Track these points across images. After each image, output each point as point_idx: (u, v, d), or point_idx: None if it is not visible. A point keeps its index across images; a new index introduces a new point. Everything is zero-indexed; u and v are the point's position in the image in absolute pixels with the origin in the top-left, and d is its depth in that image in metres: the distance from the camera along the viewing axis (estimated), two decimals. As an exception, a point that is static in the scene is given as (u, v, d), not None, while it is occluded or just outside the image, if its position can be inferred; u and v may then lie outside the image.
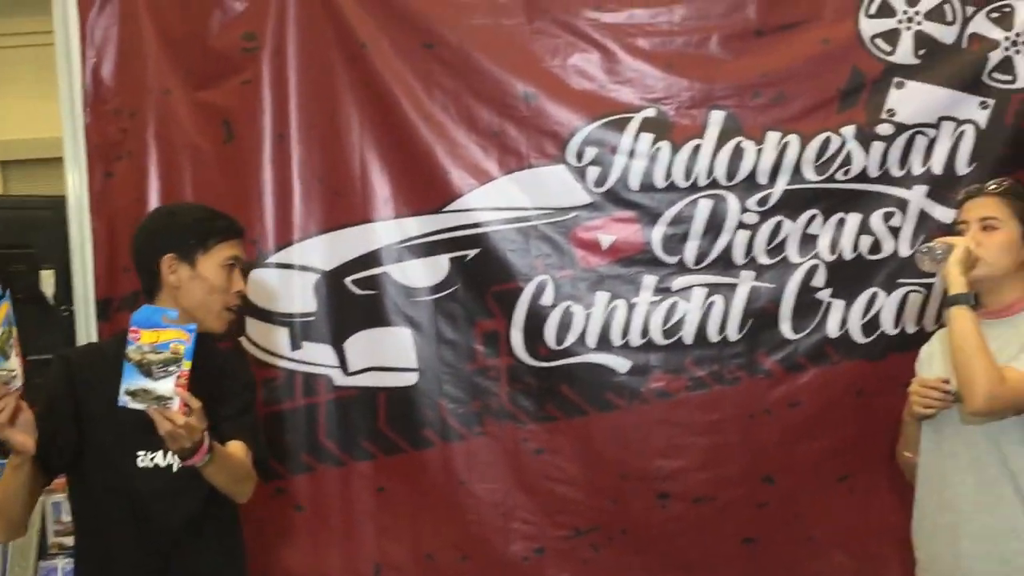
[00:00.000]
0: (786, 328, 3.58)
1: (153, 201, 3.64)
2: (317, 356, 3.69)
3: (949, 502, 2.65)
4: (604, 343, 3.62)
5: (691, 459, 3.63)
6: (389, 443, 3.69)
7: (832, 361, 3.57)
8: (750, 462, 3.61)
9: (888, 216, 3.53)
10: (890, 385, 3.28)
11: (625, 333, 3.61)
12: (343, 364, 3.69)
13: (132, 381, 2.27)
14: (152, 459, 2.57)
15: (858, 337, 3.54)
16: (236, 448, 2.62)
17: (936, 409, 2.63)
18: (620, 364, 3.63)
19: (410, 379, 3.67)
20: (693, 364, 3.61)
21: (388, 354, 3.68)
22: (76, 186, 3.69)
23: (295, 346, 3.69)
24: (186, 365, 2.28)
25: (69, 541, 4.28)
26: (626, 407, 3.63)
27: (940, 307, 3.31)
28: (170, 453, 2.51)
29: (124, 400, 2.27)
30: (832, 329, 3.56)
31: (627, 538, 3.66)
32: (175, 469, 2.56)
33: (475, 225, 3.63)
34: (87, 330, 3.67)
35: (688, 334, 3.60)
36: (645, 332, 3.61)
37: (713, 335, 3.59)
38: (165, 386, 2.24)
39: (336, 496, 3.70)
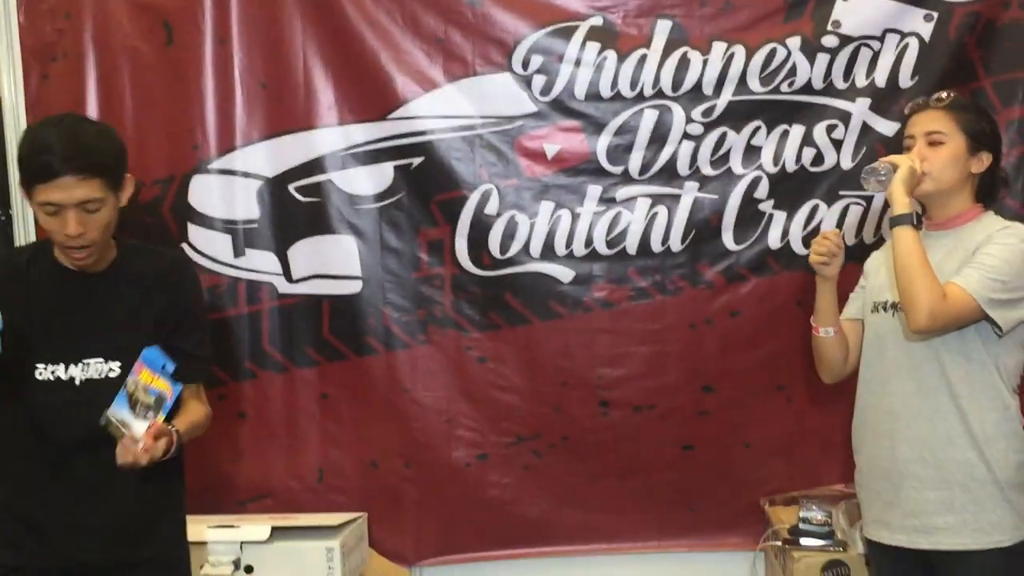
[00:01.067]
0: (728, 239, 3.62)
1: (91, 105, 3.58)
2: (261, 263, 3.68)
3: (889, 409, 2.68)
4: (548, 252, 3.64)
5: (633, 368, 3.68)
6: (333, 350, 3.70)
7: (773, 272, 3.62)
8: (691, 371, 3.67)
9: (831, 128, 3.55)
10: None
11: (569, 243, 3.63)
12: (287, 272, 3.68)
13: (119, 410, 2.32)
14: (53, 372, 2.42)
15: (799, 248, 3.58)
16: (194, 411, 2.50)
17: (826, 259, 2.66)
18: (564, 273, 3.65)
19: (354, 287, 3.67)
20: (636, 274, 3.64)
21: (332, 262, 3.67)
22: (11, 89, 3.62)
23: (238, 253, 3.67)
24: (159, 418, 2.34)
25: None
26: (569, 316, 3.67)
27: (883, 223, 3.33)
28: (73, 366, 2.40)
29: (104, 419, 2.31)
30: (774, 240, 3.60)
31: (568, 445, 3.72)
32: (78, 383, 2.41)
33: (420, 133, 3.60)
34: (25, 236, 3.63)
35: (631, 244, 3.62)
36: (589, 242, 3.62)
37: (656, 245, 3.62)
38: (139, 428, 2.31)
39: (280, 403, 3.71)
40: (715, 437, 3.69)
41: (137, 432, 2.30)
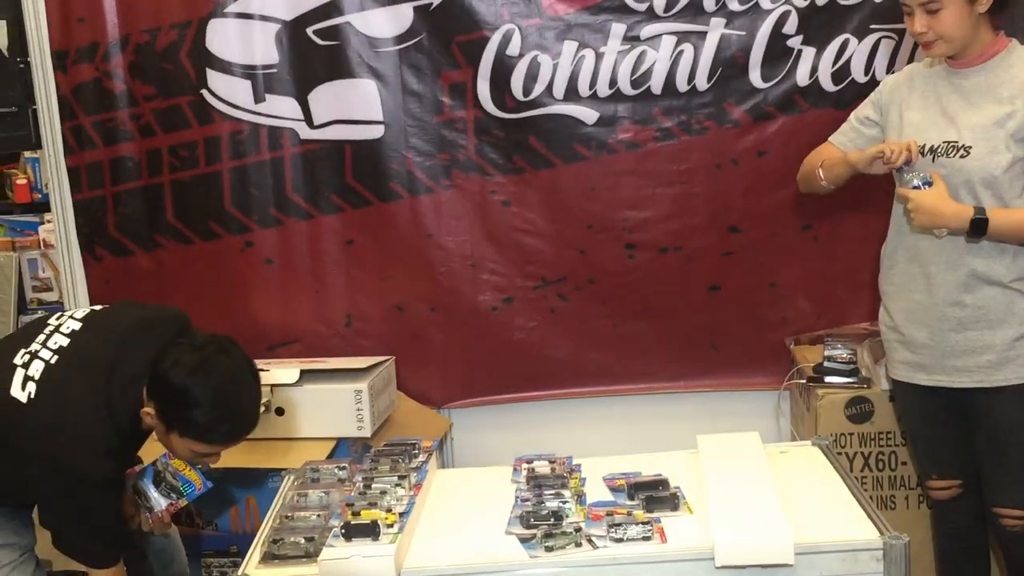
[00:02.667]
0: (756, 77, 3.53)
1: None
2: (281, 109, 3.64)
3: (924, 254, 2.68)
4: (572, 94, 3.57)
5: (658, 209, 3.65)
6: (357, 196, 3.69)
7: (801, 110, 3.54)
8: (716, 212, 3.64)
9: (864, -42, 3.44)
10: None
11: (593, 83, 3.56)
12: (308, 117, 3.64)
13: (143, 481, 2.66)
14: None
15: (828, 85, 3.50)
16: None
17: (895, 164, 2.65)
18: (588, 115, 3.59)
19: (376, 132, 3.64)
20: (661, 114, 3.58)
21: (353, 107, 3.63)
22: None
23: (258, 99, 3.63)
24: (183, 503, 2.67)
25: (48, 296, 4.37)
26: (594, 158, 3.62)
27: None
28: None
29: (127, 484, 2.66)
30: (802, 77, 3.52)
31: (594, 287, 3.72)
32: None
33: (439, -30, 3.52)
34: (44, 82, 3.62)
35: (656, 84, 3.55)
36: (613, 82, 3.55)
37: (682, 85, 3.54)
38: (159, 504, 2.65)
39: (305, 249, 3.73)
40: (741, 277, 3.68)
41: (156, 505, 2.65)
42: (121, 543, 2.58)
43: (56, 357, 2.49)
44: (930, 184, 2.60)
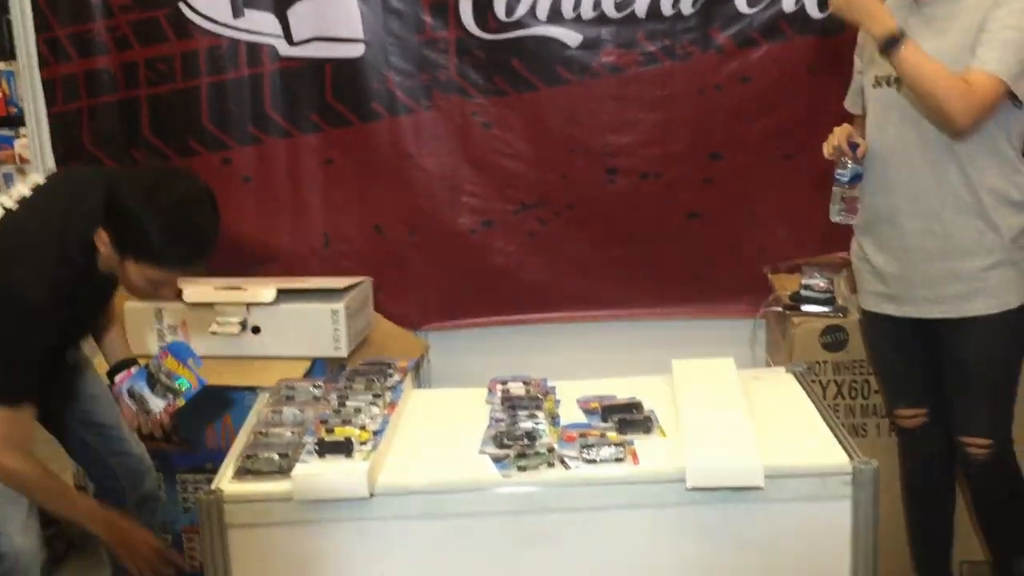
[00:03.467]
0: (741, 2, 3.50)
1: None
2: (260, 24, 3.60)
3: (893, 185, 2.68)
4: (555, 15, 3.53)
5: (640, 135, 3.63)
6: (336, 116, 3.66)
7: (786, 37, 3.51)
8: (698, 138, 3.62)
9: None
10: (842, 62, 3.23)
11: (577, 5, 3.52)
12: (287, 34, 3.59)
13: (138, 383, 2.67)
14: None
15: (814, 12, 3.47)
16: None
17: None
18: (571, 37, 3.55)
19: (356, 50, 3.59)
20: (645, 38, 3.54)
21: (333, 24, 3.58)
22: None
23: (237, 13, 3.58)
24: (179, 403, 2.67)
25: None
26: (576, 82, 3.59)
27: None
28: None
29: (122, 389, 2.68)
30: (788, 3, 3.48)
31: (574, 212, 3.71)
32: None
33: None
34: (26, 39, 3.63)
35: (641, 7, 3.51)
36: (597, 4, 3.52)
37: (666, 8, 3.51)
38: (156, 405, 2.66)
39: (283, 168, 3.70)
40: (721, 205, 3.67)
41: (154, 407, 2.66)
42: (30, 391, 2.38)
43: (17, 206, 2.45)
44: (859, 178, 2.70)
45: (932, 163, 2.60)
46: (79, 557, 3.82)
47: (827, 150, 2.70)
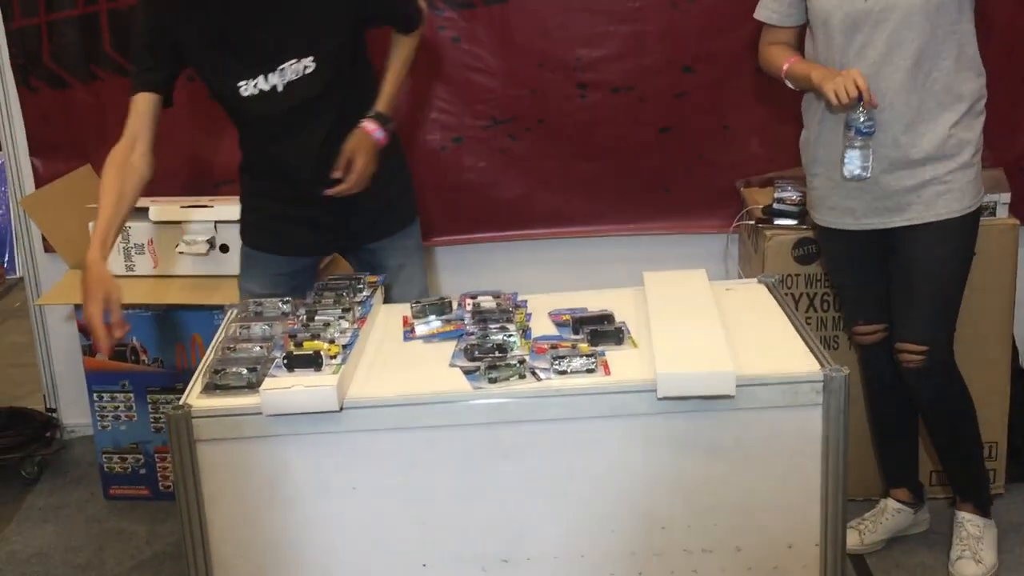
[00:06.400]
0: (715, -90, 3.44)
1: None
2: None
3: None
4: (525, -77, 3.46)
5: (611, 48, 3.58)
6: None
7: (760, -55, 3.45)
8: (670, 52, 3.57)
9: None
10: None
11: (548, -87, 3.45)
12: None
13: None
14: (255, 85, 2.61)
15: (788, -80, 3.40)
16: (401, 54, 2.80)
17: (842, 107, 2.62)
18: (542, -51, 3.49)
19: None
20: (617, -51, 3.48)
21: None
22: None
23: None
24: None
25: None
26: (547, -6, 3.53)
27: None
28: (272, 75, 2.59)
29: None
30: (762, -89, 3.42)
31: (545, 128, 3.67)
32: (280, 89, 2.61)
33: None
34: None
35: (612, -85, 3.44)
36: (567, -89, 3.45)
37: (638, -84, 3.44)
38: None
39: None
40: (693, 119, 3.63)
41: None
42: (140, 80, 2.67)
43: None
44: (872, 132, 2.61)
45: (904, 70, 2.63)
46: (52, 477, 3.83)
47: (842, 98, 2.57)
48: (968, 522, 2.96)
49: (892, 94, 2.64)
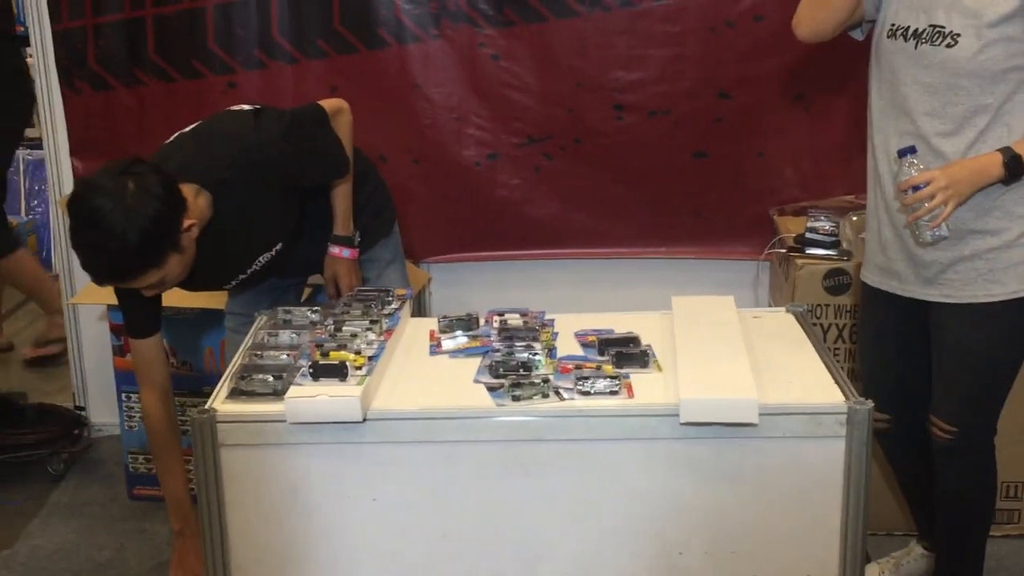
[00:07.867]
0: (756, -67, 3.44)
1: None
2: (269, -54, 3.55)
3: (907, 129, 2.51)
4: (568, -55, 3.48)
5: (649, 71, 3.58)
6: (343, 42, 3.61)
7: (801, -25, 3.45)
8: (708, 76, 3.57)
9: None
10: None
11: (588, -70, 3.47)
12: (296, -44, 3.55)
13: None
14: (233, 283, 2.76)
15: (831, -50, 3.40)
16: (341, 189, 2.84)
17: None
18: (582, -32, 3.50)
19: (364, -25, 3.55)
20: (657, -28, 3.49)
21: (342, -54, 3.53)
22: None
23: (245, -66, 3.53)
24: None
25: (28, 132, 4.28)
26: (587, 15, 3.54)
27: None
28: (248, 270, 2.72)
29: None
30: (805, -59, 3.42)
31: (580, 148, 3.68)
32: (257, 269, 2.73)
33: None
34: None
35: (654, -60, 3.45)
36: (609, -64, 3.46)
37: (680, -58, 3.45)
38: None
39: (289, 94, 3.65)
40: (729, 145, 3.63)
41: None
42: (133, 327, 2.66)
43: None
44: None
45: (953, 127, 2.41)
46: (78, 475, 3.86)
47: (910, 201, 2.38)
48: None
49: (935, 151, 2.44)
